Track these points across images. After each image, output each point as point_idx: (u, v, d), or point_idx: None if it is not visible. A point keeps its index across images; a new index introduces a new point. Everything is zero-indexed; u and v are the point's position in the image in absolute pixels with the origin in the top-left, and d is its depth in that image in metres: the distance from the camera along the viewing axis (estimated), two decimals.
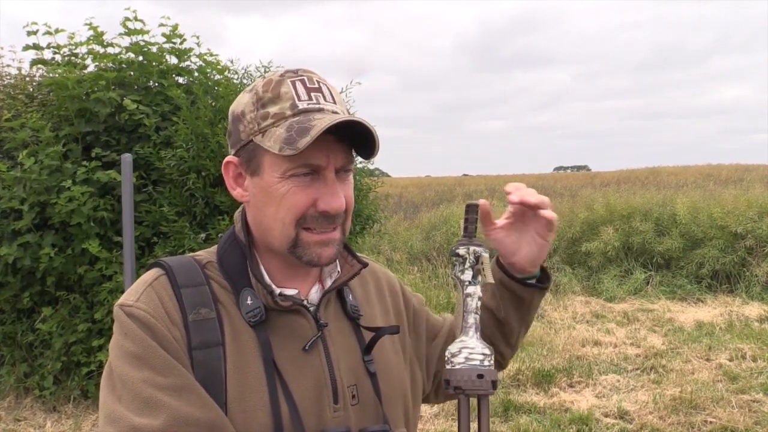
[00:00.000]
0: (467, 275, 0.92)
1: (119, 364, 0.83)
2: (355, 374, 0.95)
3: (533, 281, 1.08)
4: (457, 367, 0.86)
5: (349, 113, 0.89)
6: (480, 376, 0.85)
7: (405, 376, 1.03)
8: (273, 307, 0.90)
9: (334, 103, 0.88)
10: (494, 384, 0.86)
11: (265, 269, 0.94)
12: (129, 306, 0.86)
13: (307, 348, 0.91)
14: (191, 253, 0.99)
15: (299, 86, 0.87)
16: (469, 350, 0.86)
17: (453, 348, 0.88)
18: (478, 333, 0.89)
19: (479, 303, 0.91)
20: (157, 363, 0.82)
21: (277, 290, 0.92)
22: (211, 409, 0.82)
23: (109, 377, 0.84)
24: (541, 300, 1.13)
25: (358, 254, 1.07)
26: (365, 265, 0.99)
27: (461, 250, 0.93)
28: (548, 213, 1.01)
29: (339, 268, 1.00)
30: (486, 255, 0.93)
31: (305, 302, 0.94)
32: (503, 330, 1.12)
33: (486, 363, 0.86)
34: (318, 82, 0.88)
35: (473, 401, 0.87)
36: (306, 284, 0.97)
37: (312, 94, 0.87)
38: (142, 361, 0.82)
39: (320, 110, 0.85)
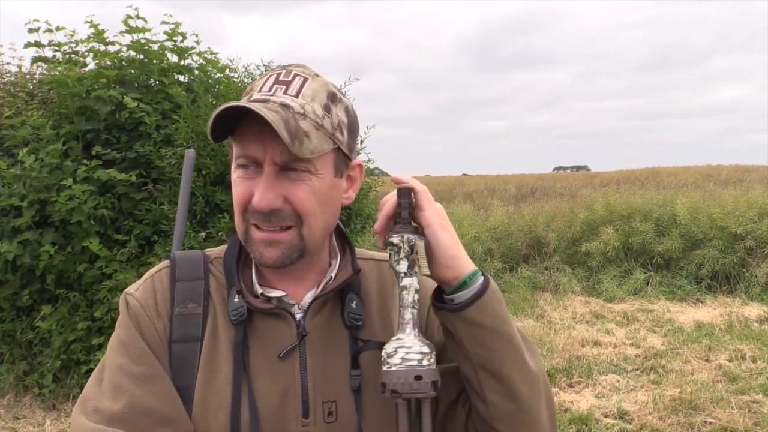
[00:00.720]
0: (402, 266, 0.84)
1: (108, 348, 0.89)
2: (336, 389, 0.88)
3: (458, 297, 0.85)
4: (393, 368, 0.79)
5: (314, 110, 0.83)
6: (418, 378, 0.79)
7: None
8: (256, 308, 0.88)
9: (295, 97, 0.82)
10: (435, 385, 0.80)
11: (258, 268, 0.93)
12: (129, 294, 0.91)
13: (281, 356, 0.87)
14: (215, 248, 0.99)
15: (270, 79, 0.85)
16: (406, 349, 0.80)
17: (389, 347, 0.82)
18: (416, 330, 0.82)
19: (416, 296, 0.84)
20: (134, 352, 0.86)
21: (259, 290, 0.91)
22: (171, 403, 0.84)
23: (102, 359, 0.90)
24: (477, 329, 0.83)
25: (371, 256, 1.01)
26: (357, 271, 0.93)
27: (395, 239, 0.85)
28: (397, 177, 0.88)
29: (333, 273, 0.94)
30: (421, 243, 0.84)
31: (295, 306, 0.91)
32: (468, 382, 0.89)
33: (424, 363, 0.80)
34: (295, 76, 0.85)
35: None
36: (301, 287, 0.93)
37: (275, 86, 0.84)
38: (123, 348, 0.87)
39: (265, 101, 0.82)
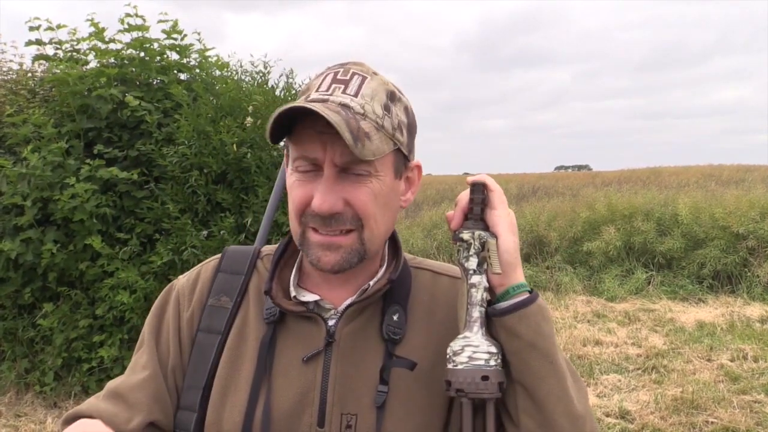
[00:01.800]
0: (472, 263, 0.82)
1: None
2: (359, 402, 0.84)
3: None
4: (460, 367, 0.78)
5: (374, 110, 0.80)
6: (485, 378, 0.77)
7: (432, 423, 0.86)
8: (286, 310, 0.87)
9: (354, 96, 0.79)
10: (501, 386, 0.79)
11: (302, 269, 0.92)
12: (177, 280, 0.99)
13: (305, 360, 0.85)
14: (275, 244, 0.98)
15: (328, 78, 0.82)
16: (473, 348, 0.79)
17: (455, 345, 0.80)
18: (484, 329, 0.80)
19: (485, 294, 0.82)
20: (146, 335, 0.94)
21: (293, 292, 0.89)
22: (134, 397, 0.88)
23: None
24: (533, 327, 0.81)
25: (429, 267, 0.96)
26: (390, 281, 0.87)
27: (465, 235, 0.83)
28: (472, 178, 0.86)
29: (372, 282, 0.89)
30: (493, 241, 0.81)
31: (331, 311, 0.89)
32: (504, 404, 0.83)
33: (492, 363, 0.78)
34: (353, 75, 0.82)
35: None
36: (344, 291, 0.89)
37: (333, 85, 0.81)
38: (146, 326, 0.95)
39: (324, 101, 0.79)
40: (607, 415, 4.02)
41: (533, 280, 7.83)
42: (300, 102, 0.77)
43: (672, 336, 5.73)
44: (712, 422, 3.86)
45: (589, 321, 6.34)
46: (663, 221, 8.13)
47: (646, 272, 7.67)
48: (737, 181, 14.16)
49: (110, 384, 0.92)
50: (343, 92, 0.80)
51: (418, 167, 0.91)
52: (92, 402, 0.90)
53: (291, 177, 0.84)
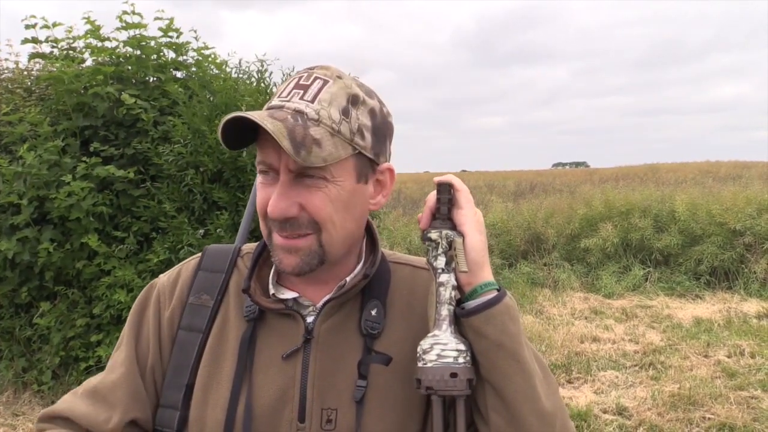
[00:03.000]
0: (440, 262, 0.84)
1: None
2: (339, 397, 0.86)
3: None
4: (429, 365, 0.79)
5: (330, 115, 0.80)
6: (453, 375, 0.78)
7: (411, 416, 0.88)
8: (265, 308, 0.89)
9: (311, 102, 0.81)
10: (470, 383, 0.80)
11: None
12: (158, 279, 1.00)
13: (284, 357, 0.86)
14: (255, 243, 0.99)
15: (291, 84, 0.84)
16: (442, 346, 0.80)
17: (424, 344, 0.81)
18: (452, 327, 0.82)
19: (453, 293, 0.83)
20: (126, 333, 0.95)
21: (272, 290, 0.91)
22: (113, 395, 0.89)
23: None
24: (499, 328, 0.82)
25: (408, 262, 0.98)
26: (366, 276, 0.90)
27: (433, 234, 0.84)
28: (439, 178, 0.87)
29: (349, 278, 0.91)
30: (460, 240, 0.83)
31: (310, 308, 0.90)
32: (474, 401, 0.85)
33: (460, 360, 0.80)
34: (315, 80, 0.83)
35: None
36: (320, 288, 0.91)
37: (294, 91, 0.82)
38: (126, 325, 0.96)
39: (280, 108, 0.81)
40: (605, 412, 4.03)
41: (530, 277, 7.84)
42: (244, 112, 0.78)
43: (669, 332, 5.74)
44: (709, 418, 3.87)
45: (586, 318, 6.35)
46: (660, 218, 8.14)
47: (644, 269, 7.68)
48: (734, 178, 14.19)
49: (88, 382, 0.92)
50: (301, 98, 0.81)
51: (390, 170, 0.91)
52: (69, 400, 0.90)
53: (258, 178, 0.87)
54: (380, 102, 0.88)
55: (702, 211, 7.85)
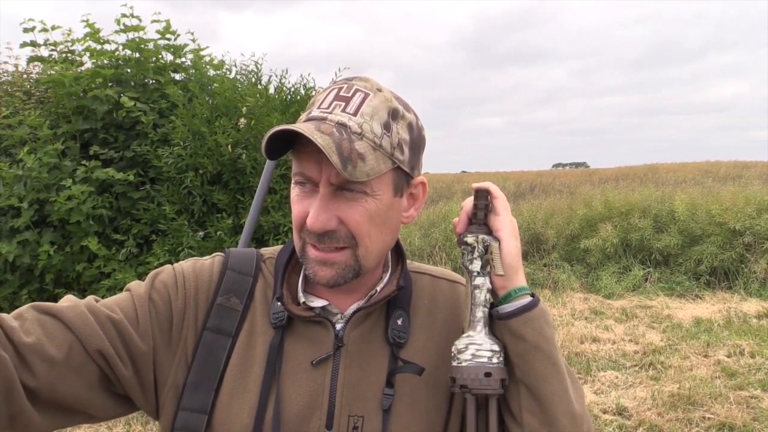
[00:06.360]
0: (476, 265, 0.86)
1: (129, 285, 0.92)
2: (366, 405, 0.86)
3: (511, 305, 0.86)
4: (464, 364, 0.82)
5: (372, 129, 0.80)
6: (488, 375, 0.81)
7: (435, 424, 0.89)
8: (296, 315, 0.88)
9: (353, 115, 0.80)
10: (503, 383, 0.83)
11: (308, 276, 0.92)
12: (176, 264, 0.94)
13: (314, 363, 0.87)
14: (269, 248, 0.98)
15: (331, 95, 0.83)
16: (477, 346, 0.83)
17: (459, 344, 0.84)
18: (487, 328, 0.85)
19: (488, 296, 0.86)
20: (140, 293, 0.88)
21: (302, 298, 0.90)
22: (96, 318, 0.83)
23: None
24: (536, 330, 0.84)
25: (428, 271, 0.98)
26: (400, 288, 0.90)
27: (469, 239, 0.87)
28: (477, 185, 0.89)
29: (380, 287, 0.91)
30: (496, 244, 0.86)
31: (338, 316, 0.90)
32: (507, 404, 0.86)
33: (494, 360, 0.82)
34: (356, 92, 0.82)
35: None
36: (349, 298, 0.91)
37: (335, 102, 0.82)
38: (143, 287, 0.89)
39: (322, 119, 0.80)
40: (605, 412, 4.04)
41: (531, 278, 7.84)
42: (293, 125, 0.78)
43: (669, 332, 5.74)
44: (708, 418, 3.87)
45: (586, 318, 6.35)
46: (660, 218, 8.15)
47: (643, 269, 7.69)
48: (734, 178, 14.20)
49: (90, 299, 0.88)
50: (343, 110, 0.80)
51: (423, 184, 0.92)
52: (66, 304, 0.87)
53: (292, 189, 0.86)
54: (416, 115, 0.89)
55: (702, 211, 7.86)
